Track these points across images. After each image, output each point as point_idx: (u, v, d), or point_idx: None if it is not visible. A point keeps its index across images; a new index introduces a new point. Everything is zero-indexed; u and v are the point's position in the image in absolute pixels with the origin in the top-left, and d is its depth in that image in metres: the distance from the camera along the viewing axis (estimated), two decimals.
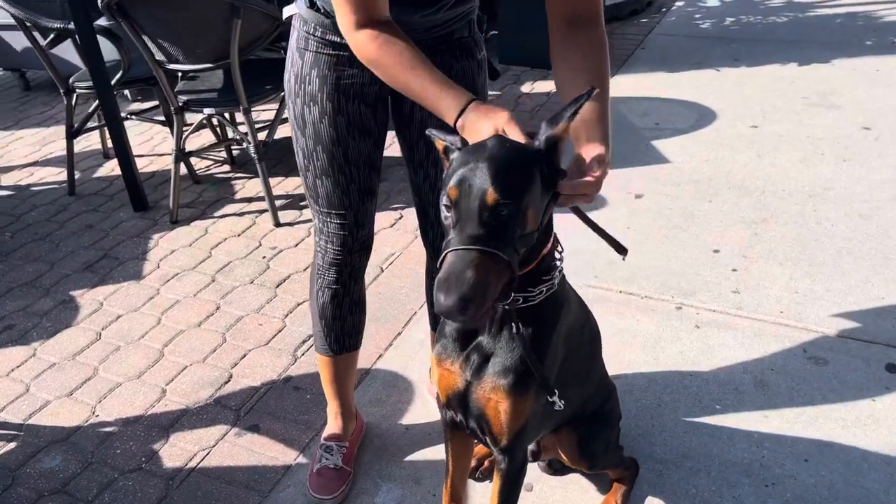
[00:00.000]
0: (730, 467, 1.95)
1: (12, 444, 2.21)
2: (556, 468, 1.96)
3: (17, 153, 4.33)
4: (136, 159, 3.87)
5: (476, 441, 1.62)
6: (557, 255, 1.36)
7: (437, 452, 2.07)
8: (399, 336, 2.52)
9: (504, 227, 1.12)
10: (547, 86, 4.66)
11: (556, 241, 1.36)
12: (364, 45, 1.38)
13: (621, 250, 1.43)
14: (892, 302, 2.49)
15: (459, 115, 1.27)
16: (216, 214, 3.44)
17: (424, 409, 2.22)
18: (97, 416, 2.30)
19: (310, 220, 3.32)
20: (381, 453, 2.09)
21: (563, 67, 1.41)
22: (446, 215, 1.15)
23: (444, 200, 1.16)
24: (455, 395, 1.48)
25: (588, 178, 1.20)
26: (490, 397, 1.41)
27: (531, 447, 1.80)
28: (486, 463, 1.97)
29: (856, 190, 3.17)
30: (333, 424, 2.03)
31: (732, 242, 2.89)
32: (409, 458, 2.07)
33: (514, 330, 1.35)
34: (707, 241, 2.91)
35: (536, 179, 1.18)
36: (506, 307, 1.32)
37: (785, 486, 1.88)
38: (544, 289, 1.33)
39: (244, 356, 2.52)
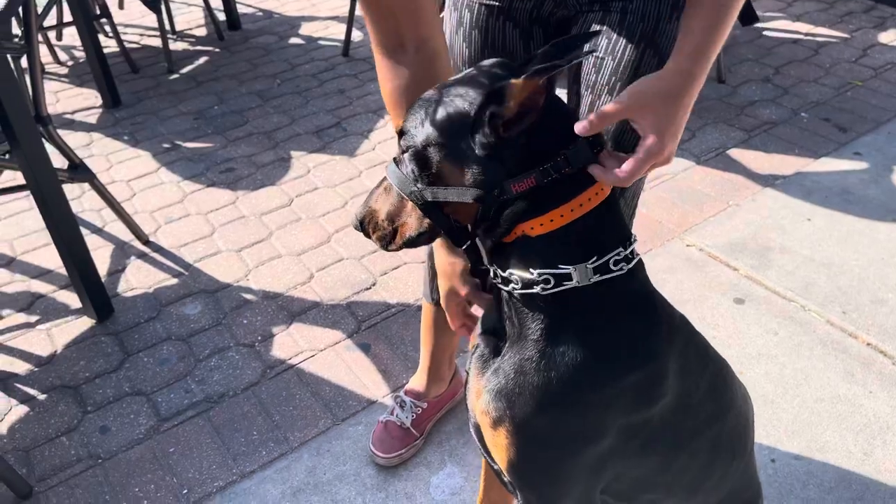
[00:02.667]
0: None
1: (174, 281, 2.36)
2: None
3: (326, 5, 4.52)
4: None
5: None
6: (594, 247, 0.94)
7: None
8: None
9: (410, 162, 0.97)
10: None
11: (587, 222, 0.93)
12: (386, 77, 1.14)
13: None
14: None
15: None
16: None
17: None
18: (248, 279, 2.35)
19: None
20: (465, 430, 1.82)
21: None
22: None
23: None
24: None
25: (614, 172, 0.93)
26: (477, 404, 1.07)
27: None
28: None
29: None
30: (417, 378, 1.80)
31: None
32: None
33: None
34: None
35: (456, 128, 0.92)
36: (506, 290, 1.00)
37: None
38: (552, 277, 0.94)
39: (397, 267, 2.36)
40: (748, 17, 1.12)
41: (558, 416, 0.99)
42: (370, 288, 2.28)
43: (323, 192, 2.75)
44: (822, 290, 2.14)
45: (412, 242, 1.02)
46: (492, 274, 1.02)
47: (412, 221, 1.01)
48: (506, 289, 0.99)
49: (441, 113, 0.95)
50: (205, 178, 2.87)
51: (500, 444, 1.03)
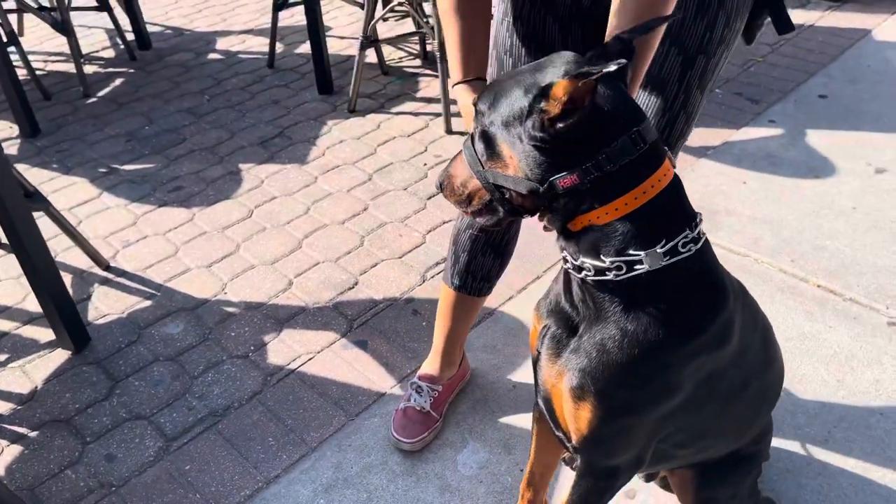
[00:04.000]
0: None
1: (148, 303, 2.30)
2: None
3: (237, 19, 4.47)
4: (337, 41, 3.84)
5: None
6: (667, 236, 1.00)
7: None
8: (537, 280, 2.25)
9: (481, 141, 1.06)
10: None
11: (654, 207, 0.99)
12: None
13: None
14: None
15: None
16: (393, 110, 3.30)
17: None
18: (225, 293, 2.32)
19: None
20: (478, 407, 1.89)
21: None
22: None
23: None
24: (533, 363, 1.23)
25: None
26: (554, 383, 1.14)
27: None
28: None
29: None
30: (430, 363, 1.85)
31: None
32: (507, 419, 1.84)
33: (579, 310, 1.12)
34: None
35: (516, 114, 0.99)
36: (580, 277, 1.06)
37: None
38: (624, 265, 1.00)
39: (375, 265, 2.39)
40: (785, 25, 1.22)
41: (641, 386, 1.07)
42: (353, 287, 2.31)
43: (282, 200, 2.74)
44: (769, 243, 2.36)
45: (490, 211, 1.09)
46: (563, 260, 1.08)
47: (484, 195, 1.08)
48: (579, 276, 1.05)
49: (504, 99, 1.01)
50: (154, 199, 2.79)
51: (582, 417, 1.11)
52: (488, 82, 1.47)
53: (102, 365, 2.08)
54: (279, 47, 3.94)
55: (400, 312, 2.20)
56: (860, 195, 2.52)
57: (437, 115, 3.20)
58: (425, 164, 2.89)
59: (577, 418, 1.12)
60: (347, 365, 2.04)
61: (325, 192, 2.77)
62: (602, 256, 1.00)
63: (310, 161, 2.97)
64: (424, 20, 3.20)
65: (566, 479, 1.67)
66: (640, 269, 0.99)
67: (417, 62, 3.72)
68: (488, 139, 1.04)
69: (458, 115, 3.19)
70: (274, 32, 3.71)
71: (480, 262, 1.68)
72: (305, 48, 3.99)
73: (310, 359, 2.07)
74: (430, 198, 2.70)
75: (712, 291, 1.06)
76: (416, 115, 3.25)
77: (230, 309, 2.26)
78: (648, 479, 1.61)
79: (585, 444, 1.15)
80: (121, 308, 2.28)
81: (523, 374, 1.96)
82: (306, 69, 3.74)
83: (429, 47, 3.74)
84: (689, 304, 1.05)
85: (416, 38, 3.64)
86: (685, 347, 1.05)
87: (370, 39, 3.19)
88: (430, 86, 3.48)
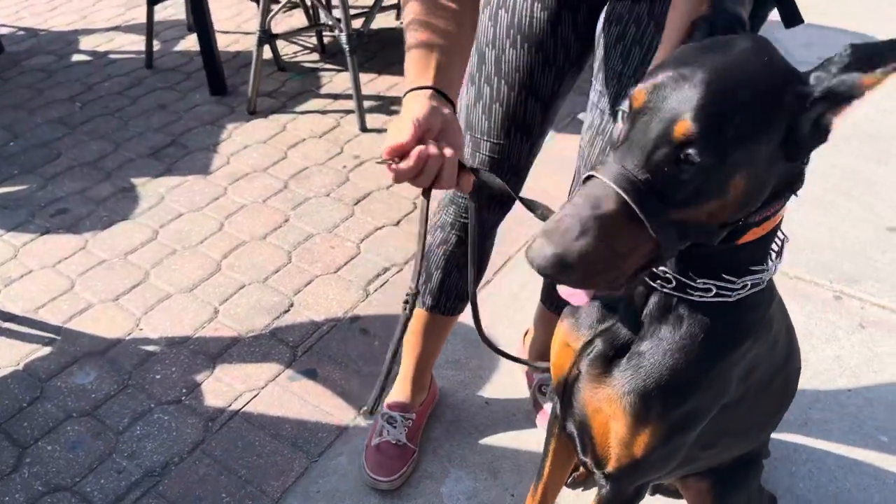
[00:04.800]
0: None
1: (47, 350, 1.97)
2: (668, 489, 1.57)
3: (100, 15, 4.02)
4: (221, 36, 3.52)
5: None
6: (775, 247, 0.92)
7: (519, 440, 1.71)
8: (488, 284, 2.13)
9: (680, 183, 0.74)
10: None
11: (774, 233, 0.90)
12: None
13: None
14: None
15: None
16: (298, 109, 3.06)
17: (511, 382, 1.85)
18: (141, 329, 2.04)
19: None
20: (453, 430, 1.74)
21: None
22: (619, 126, 0.81)
23: (624, 104, 0.83)
24: (562, 382, 1.10)
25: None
26: (600, 407, 1.02)
27: None
28: (584, 470, 1.59)
29: None
30: (401, 390, 1.69)
31: None
32: (487, 440, 1.71)
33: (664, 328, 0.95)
34: (882, 215, 2.35)
35: (774, 134, 0.75)
36: (655, 288, 0.93)
37: None
38: (714, 287, 0.90)
39: (309, 283, 2.18)
40: (792, 17, 1.14)
41: (703, 399, 0.99)
42: (289, 310, 2.09)
43: (190, 217, 2.46)
44: None
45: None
46: (665, 281, 0.92)
47: (644, 250, 0.79)
48: (683, 296, 0.92)
49: (759, 105, 0.74)
50: (34, 226, 2.42)
51: (639, 441, 1.00)
52: (498, 89, 1.28)
53: (3, 430, 1.76)
54: (155, 45, 3.57)
55: (347, 333, 2.01)
56: None
57: (348, 112, 3.00)
58: (345, 167, 2.69)
59: (631, 443, 1.01)
60: (298, 399, 1.83)
61: (238, 205, 2.51)
62: (731, 277, 0.89)
63: (214, 170, 2.69)
64: (328, 12, 2.97)
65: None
66: (748, 290, 0.91)
67: (315, 56, 3.48)
68: (709, 180, 0.75)
69: (373, 110, 3.00)
70: (150, 29, 3.35)
71: (456, 279, 1.53)
72: (186, 45, 3.64)
73: (254, 396, 1.84)
74: (356, 203, 2.50)
75: (769, 303, 0.99)
76: (325, 113, 3.03)
77: (149, 347, 1.98)
78: (654, 490, 1.54)
79: (629, 469, 1.05)
80: (14, 359, 1.95)
81: (495, 389, 1.84)
82: (191, 68, 3.41)
83: (326, 40, 3.51)
84: (749, 314, 0.96)
85: (312, 31, 3.40)
86: (743, 347, 0.98)
87: (268, 34, 2.93)
88: (333, 81, 3.26)
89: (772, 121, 0.75)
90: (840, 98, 0.74)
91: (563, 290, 0.86)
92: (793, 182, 0.84)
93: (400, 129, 0.97)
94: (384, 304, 2.09)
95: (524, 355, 1.84)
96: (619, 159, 0.76)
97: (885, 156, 2.63)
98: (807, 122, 0.76)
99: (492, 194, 1.38)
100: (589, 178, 0.78)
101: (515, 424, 1.75)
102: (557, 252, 0.74)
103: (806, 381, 1.79)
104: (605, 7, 1.23)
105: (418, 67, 1.07)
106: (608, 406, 1.01)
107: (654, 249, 0.79)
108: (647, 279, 0.94)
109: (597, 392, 1.02)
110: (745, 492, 1.35)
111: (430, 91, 1.02)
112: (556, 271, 0.75)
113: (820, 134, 0.77)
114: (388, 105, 3.06)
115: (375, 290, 2.14)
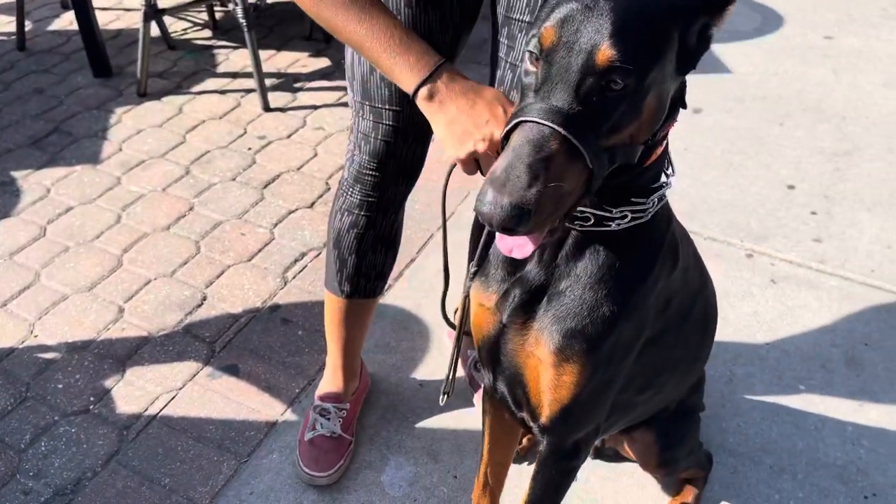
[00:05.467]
0: (820, 469, 1.58)
1: None
2: (608, 454, 1.58)
3: None
4: (100, 13, 3.25)
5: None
6: (666, 173, 0.95)
7: (459, 420, 1.67)
8: (413, 263, 2.08)
9: (608, 110, 0.77)
10: None
11: (667, 150, 0.93)
12: None
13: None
14: None
15: (423, 84, 0.99)
16: (193, 90, 2.87)
17: (445, 362, 1.81)
18: (36, 336, 1.86)
19: (306, 107, 2.78)
20: (389, 416, 1.69)
21: None
22: (529, 69, 0.81)
23: (531, 45, 0.80)
24: (486, 342, 1.08)
25: None
26: (530, 351, 1.01)
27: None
28: (526, 441, 1.58)
29: None
30: (331, 380, 1.61)
31: (810, 178, 2.43)
32: (424, 424, 1.67)
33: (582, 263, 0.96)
34: (780, 173, 2.45)
35: (673, 48, 0.79)
36: (575, 229, 0.94)
37: (889, 499, 1.53)
38: (630, 213, 0.92)
39: (222, 273, 2.06)
40: None
41: (622, 330, 0.99)
42: (202, 304, 1.96)
43: (82, 210, 2.26)
44: None
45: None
46: (584, 220, 0.92)
47: (581, 183, 0.81)
48: (602, 229, 0.92)
49: (660, 24, 0.78)
50: None
51: (564, 382, 1.01)
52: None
53: None
54: (27, 25, 3.26)
55: (267, 324, 1.91)
56: (687, 136, 2.65)
57: (249, 91, 2.84)
58: (250, 149, 2.55)
59: (558, 385, 1.00)
60: (221, 397, 1.73)
61: (136, 194, 2.33)
62: (637, 201, 0.91)
63: (104, 159, 2.49)
64: None
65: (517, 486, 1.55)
66: (650, 213, 0.93)
67: (207, 33, 3.28)
68: (634, 104, 0.78)
69: (275, 89, 2.85)
70: (21, 7, 3.05)
71: (372, 260, 1.46)
72: (61, 24, 3.35)
73: (172, 398, 1.72)
74: (265, 186, 2.38)
75: (671, 229, 1.01)
76: (224, 93, 2.86)
77: (47, 355, 1.81)
78: (596, 454, 1.54)
79: (560, 415, 1.04)
80: None
81: (428, 370, 1.79)
82: (69, 49, 3.14)
83: (219, 15, 3.31)
84: (661, 240, 0.99)
85: (203, 5, 3.19)
86: (655, 269, 0.99)
87: (154, 8, 2.73)
88: (230, 59, 3.08)
89: (671, 36, 0.78)
90: (718, 6, 0.79)
91: (505, 245, 0.86)
92: (682, 96, 0.88)
93: (481, 116, 0.97)
94: (305, 290, 2.00)
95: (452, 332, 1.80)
96: (544, 99, 0.77)
97: (777, 116, 2.74)
98: (693, 33, 0.80)
99: (399, 165, 1.33)
100: (518, 125, 0.78)
101: (452, 405, 1.71)
102: (514, 202, 0.74)
103: (727, 338, 1.86)
104: None
105: (408, 41, 1.02)
106: (537, 349, 1.00)
107: (588, 181, 0.80)
108: (566, 222, 0.92)
109: (525, 338, 1.01)
110: (688, 444, 1.38)
111: (448, 64, 1.02)
112: (516, 222, 0.74)
113: (705, 43, 0.82)
114: (290, 82, 2.92)
115: (294, 277, 2.05)
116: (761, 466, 1.59)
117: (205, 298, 1.98)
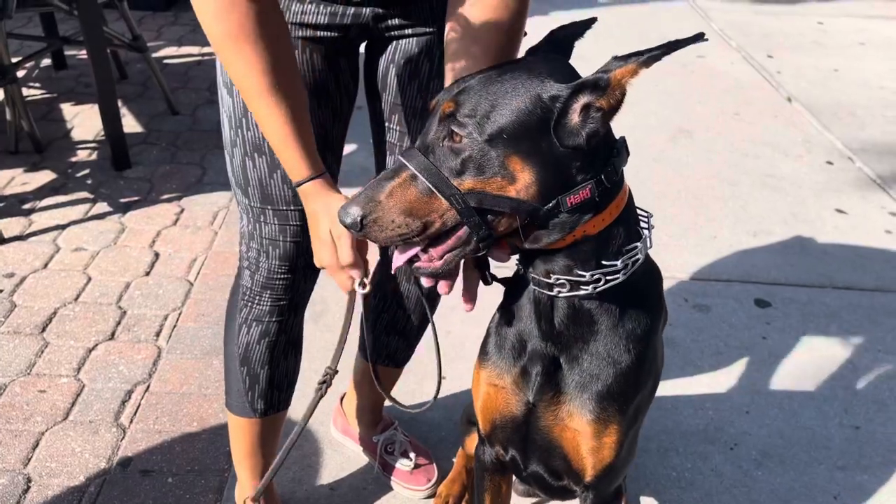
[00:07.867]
0: (690, 437, 1.84)
1: None
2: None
3: None
4: None
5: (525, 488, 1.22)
6: (644, 224, 1.01)
7: None
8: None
9: (453, 154, 0.88)
10: None
11: (627, 216, 0.97)
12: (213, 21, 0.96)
13: None
14: (739, 240, 2.63)
15: (301, 184, 1.07)
16: None
17: (343, 459, 1.72)
18: None
19: (50, 228, 2.40)
20: None
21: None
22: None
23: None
24: (509, 423, 1.09)
25: None
26: (565, 425, 1.05)
27: None
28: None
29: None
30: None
31: None
32: None
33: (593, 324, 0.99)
34: None
35: (535, 122, 0.86)
36: (552, 296, 0.97)
37: (747, 444, 1.83)
38: (602, 276, 0.95)
39: (37, 444, 1.69)
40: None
41: (646, 381, 1.06)
42: (28, 489, 1.59)
43: None
44: None
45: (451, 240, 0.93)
46: (533, 282, 0.97)
47: (447, 220, 0.90)
48: (579, 293, 0.95)
49: (504, 106, 0.86)
50: None
51: (607, 444, 1.05)
52: None
53: None
54: None
55: (126, 484, 1.61)
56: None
57: None
58: (1, 291, 2.12)
59: (600, 447, 1.05)
60: None
61: None
62: (582, 270, 0.94)
63: None
64: None
65: None
66: (618, 278, 0.95)
67: None
68: (483, 154, 0.86)
69: (1, 215, 2.40)
70: None
71: (284, 368, 1.37)
72: None
73: None
74: (43, 329, 2.00)
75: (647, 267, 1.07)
76: None
77: None
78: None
79: (605, 472, 1.09)
80: None
81: (332, 472, 1.69)
82: None
83: None
84: (654, 286, 1.07)
85: None
86: (656, 320, 1.06)
87: None
88: None
89: (528, 112, 0.86)
90: (595, 87, 0.85)
91: (397, 260, 0.96)
92: (595, 166, 0.90)
93: (344, 247, 1.06)
94: (152, 430, 1.74)
95: (347, 424, 1.73)
96: (414, 144, 0.93)
97: None
98: (572, 112, 0.86)
99: (309, 261, 1.28)
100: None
101: (370, 496, 1.64)
102: (362, 211, 0.89)
103: None
104: (372, 47, 1.25)
105: (294, 144, 1.03)
106: (571, 421, 1.04)
107: (457, 217, 0.89)
108: (545, 290, 0.97)
109: (556, 412, 1.04)
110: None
111: (320, 180, 1.06)
112: (360, 227, 0.90)
113: (590, 120, 0.87)
114: (16, 205, 2.50)
115: (132, 421, 1.76)
116: (650, 451, 1.79)
117: (29, 482, 1.61)
